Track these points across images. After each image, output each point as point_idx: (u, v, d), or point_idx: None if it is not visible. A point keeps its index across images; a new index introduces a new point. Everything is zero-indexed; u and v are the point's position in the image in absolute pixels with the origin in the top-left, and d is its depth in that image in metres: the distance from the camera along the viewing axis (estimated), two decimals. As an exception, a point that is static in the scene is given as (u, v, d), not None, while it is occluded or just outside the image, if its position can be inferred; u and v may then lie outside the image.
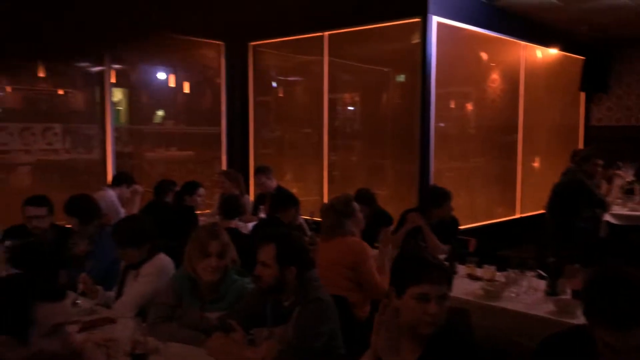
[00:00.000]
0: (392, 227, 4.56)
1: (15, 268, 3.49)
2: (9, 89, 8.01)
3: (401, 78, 6.81)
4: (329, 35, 6.70)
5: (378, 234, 4.44)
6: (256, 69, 7.65)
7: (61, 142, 6.35)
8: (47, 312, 1.61)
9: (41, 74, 7.63)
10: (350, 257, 3.49)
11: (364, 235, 4.62)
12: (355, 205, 3.75)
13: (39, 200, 3.78)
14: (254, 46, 7.61)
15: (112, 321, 2.82)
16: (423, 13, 5.63)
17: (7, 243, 3.42)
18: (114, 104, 6.92)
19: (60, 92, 8.20)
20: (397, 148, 6.47)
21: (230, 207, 4.34)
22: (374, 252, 3.71)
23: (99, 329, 2.65)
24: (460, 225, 4.72)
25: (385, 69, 6.84)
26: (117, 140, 6.81)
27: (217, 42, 7.58)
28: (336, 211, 3.66)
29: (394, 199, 6.07)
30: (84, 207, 3.81)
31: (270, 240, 2.54)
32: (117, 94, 7.21)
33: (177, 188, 5.42)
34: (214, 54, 7.71)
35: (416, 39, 5.81)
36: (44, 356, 1.59)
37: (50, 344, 1.61)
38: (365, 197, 4.77)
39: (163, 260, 3.18)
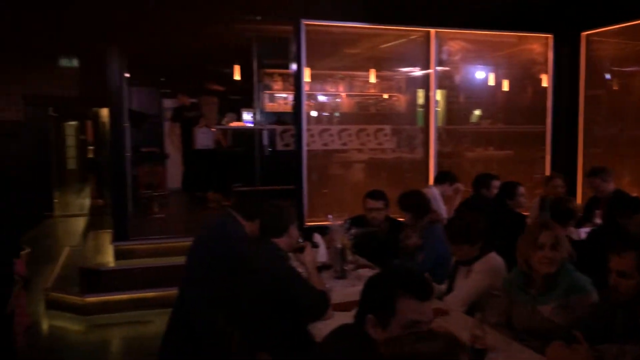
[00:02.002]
0: None
1: (358, 254, 3.91)
2: (344, 95, 9.12)
3: None
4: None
5: None
6: (588, 60, 6.97)
7: (390, 142, 6.86)
8: (408, 307, 1.73)
9: (371, 80, 8.45)
10: None
11: None
12: None
13: (377, 194, 4.17)
14: (587, 36, 6.94)
15: (445, 313, 2.92)
16: None
17: (352, 231, 3.83)
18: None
19: (386, 96, 8.97)
20: None
21: (563, 212, 4.00)
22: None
23: (435, 319, 2.76)
24: None
25: None
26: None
27: (545, 35, 7.16)
28: None
29: None
30: (417, 203, 4.05)
31: (630, 247, 2.27)
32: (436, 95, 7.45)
33: (497, 182, 5.29)
34: (539, 48, 7.31)
35: None
36: (401, 336, 1.71)
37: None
38: None
39: (495, 259, 3.15)
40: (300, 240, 3.08)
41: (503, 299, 2.85)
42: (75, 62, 10.02)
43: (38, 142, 10.26)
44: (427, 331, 1.65)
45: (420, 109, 7.46)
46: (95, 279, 5.76)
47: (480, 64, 7.68)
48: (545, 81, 7.27)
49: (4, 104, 9.73)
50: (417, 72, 7.22)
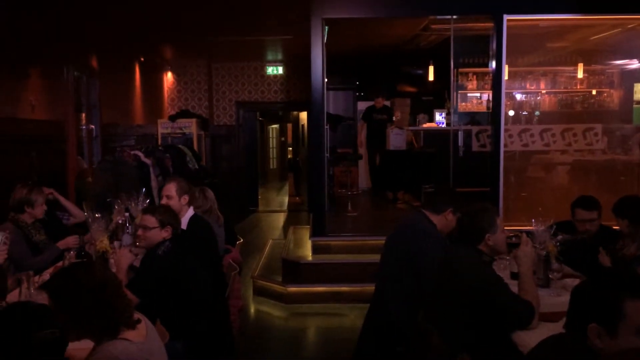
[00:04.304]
0: None
1: (564, 262, 3.62)
2: (545, 92, 8.52)
3: None
4: None
5: None
6: None
7: (600, 142, 6.25)
8: (638, 309, 1.58)
9: (579, 76, 7.77)
10: None
11: None
12: None
13: (590, 203, 3.78)
14: None
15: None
16: None
17: (559, 237, 3.56)
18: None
19: (594, 92, 8.16)
20: None
21: None
22: None
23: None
24: None
25: None
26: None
27: None
28: None
29: None
30: (636, 209, 3.63)
31: None
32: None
33: None
34: None
35: None
36: (633, 351, 1.56)
37: (638, 342, 1.57)
38: None
39: None
40: (514, 236, 2.90)
41: None
42: (280, 71, 10.91)
43: (247, 144, 11.37)
44: None
45: (638, 106, 6.66)
46: (295, 270, 6.19)
47: None
48: None
49: (221, 110, 10.98)
50: (636, 64, 6.46)
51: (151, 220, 3.06)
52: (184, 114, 9.64)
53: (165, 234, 3.04)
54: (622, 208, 3.67)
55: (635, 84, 6.77)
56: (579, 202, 3.83)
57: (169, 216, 3.10)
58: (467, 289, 2.66)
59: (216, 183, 8.47)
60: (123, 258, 3.01)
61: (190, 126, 8.92)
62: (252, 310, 6.02)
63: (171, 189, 3.82)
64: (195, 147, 8.90)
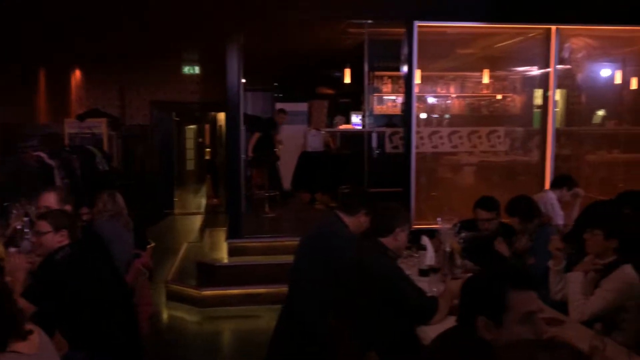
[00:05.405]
0: None
1: (467, 258, 3.81)
2: (455, 96, 8.92)
3: None
4: None
5: None
6: None
7: (503, 144, 6.60)
8: (520, 299, 1.67)
9: (485, 81, 8.18)
10: None
11: None
12: None
13: (489, 204, 4.01)
14: None
15: (560, 322, 2.77)
16: None
17: (462, 234, 3.75)
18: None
19: (499, 96, 8.65)
20: None
21: None
22: None
23: (552, 328, 2.62)
24: None
25: None
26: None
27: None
28: None
29: None
30: (523, 207, 3.94)
31: None
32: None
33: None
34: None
35: None
36: (520, 343, 1.65)
37: (523, 331, 1.67)
38: None
39: (628, 273, 2.85)
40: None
41: (635, 316, 2.62)
42: (196, 70, 10.69)
43: (162, 145, 11.04)
44: (547, 340, 1.58)
45: (537, 110, 7.10)
46: (211, 273, 6.09)
47: (606, 61, 7.16)
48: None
49: (134, 110, 10.60)
50: (535, 71, 6.88)
51: (44, 225, 2.89)
52: (93, 113, 9.21)
53: (61, 238, 2.89)
54: (513, 208, 3.97)
55: (535, 90, 7.19)
56: (479, 202, 4.05)
57: (63, 219, 2.93)
58: (374, 280, 2.74)
59: (129, 185, 8.17)
60: (18, 266, 2.83)
61: (100, 126, 8.53)
62: (165, 315, 5.86)
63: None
64: (106, 147, 8.53)
